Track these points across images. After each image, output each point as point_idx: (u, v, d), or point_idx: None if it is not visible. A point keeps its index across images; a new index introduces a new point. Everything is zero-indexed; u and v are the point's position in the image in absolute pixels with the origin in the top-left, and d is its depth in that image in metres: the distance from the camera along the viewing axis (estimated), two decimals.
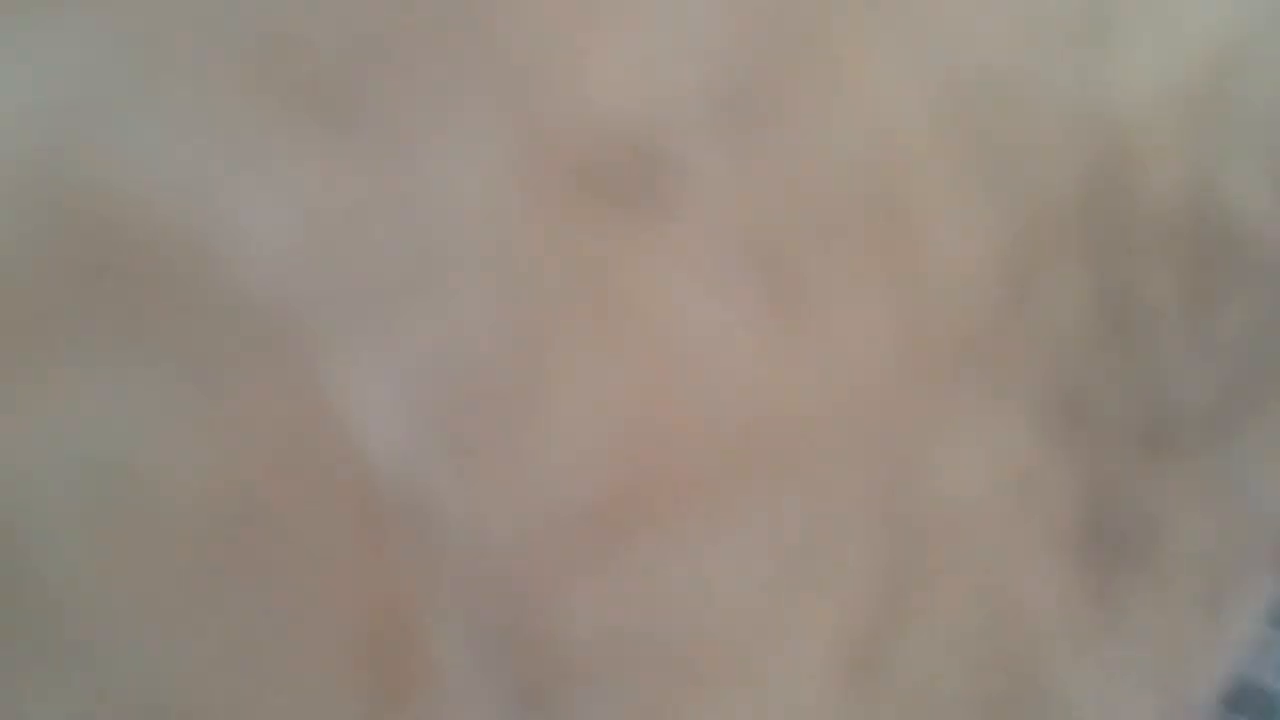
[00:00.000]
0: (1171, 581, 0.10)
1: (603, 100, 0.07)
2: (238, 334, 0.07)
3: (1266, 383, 0.10)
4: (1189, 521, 0.10)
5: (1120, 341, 0.09)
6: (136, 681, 0.06)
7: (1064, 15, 0.09)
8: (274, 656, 0.07)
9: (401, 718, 0.07)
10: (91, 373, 0.06)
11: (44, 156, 0.06)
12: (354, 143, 0.07)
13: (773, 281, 0.08)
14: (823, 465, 0.08)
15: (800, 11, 0.08)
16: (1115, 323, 0.09)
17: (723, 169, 0.08)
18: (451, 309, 0.07)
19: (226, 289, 0.06)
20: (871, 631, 0.08)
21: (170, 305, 0.06)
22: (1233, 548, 0.10)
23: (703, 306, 0.08)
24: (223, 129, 0.06)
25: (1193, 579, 0.10)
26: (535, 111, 0.07)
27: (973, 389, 0.08)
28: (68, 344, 0.06)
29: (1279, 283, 0.09)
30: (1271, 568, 0.11)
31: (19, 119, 0.06)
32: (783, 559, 0.08)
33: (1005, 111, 0.08)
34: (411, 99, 0.07)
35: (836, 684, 0.08)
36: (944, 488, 0.09)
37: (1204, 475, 0.10)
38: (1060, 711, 0.09)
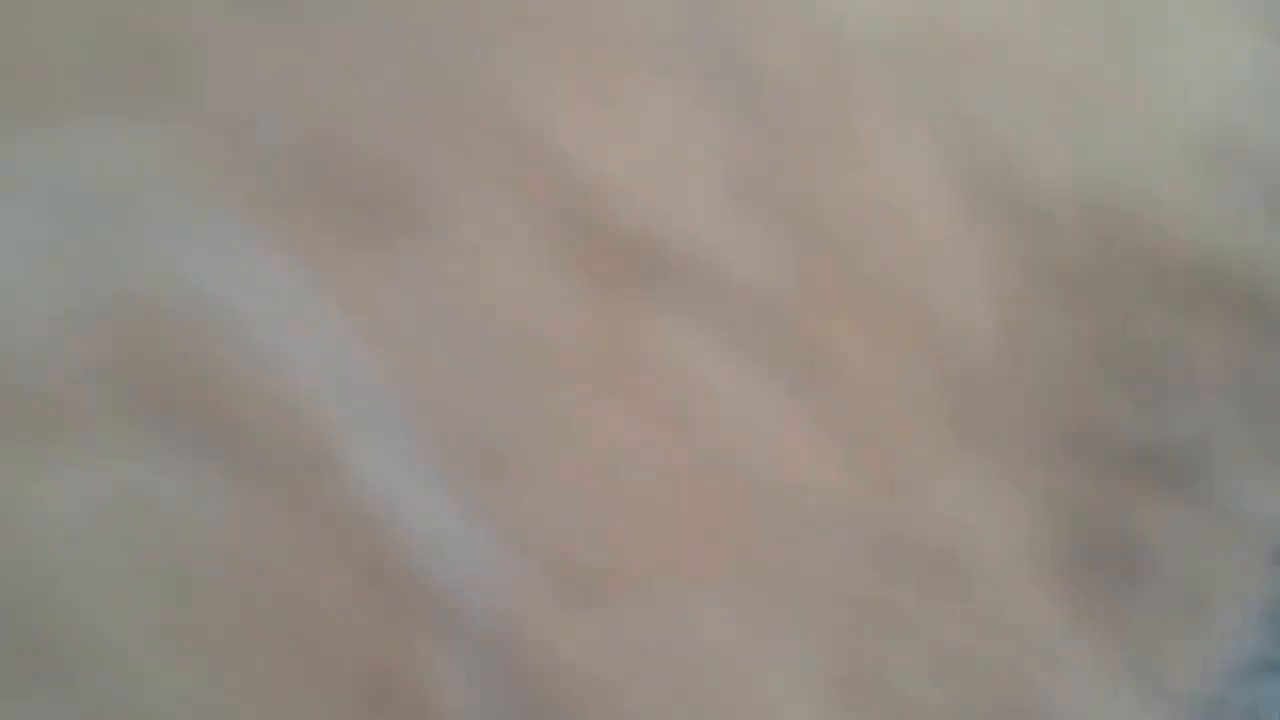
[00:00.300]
0: (1159, 590, 0.10)
1: (628, 197, 0.08)
2: (273, 424, 0.07)
3: (1261, 414, 0.10)
4: (1178, 537, 0.10)
5: (1119, 385, 0.10)
6: None
7: (1070, 94, 0.09)
8: (291, 703, 0.07)
9: None
10: (141, 454, 0.07)
11: (109, 258, 0.07)
12: (392, 243, 0.07)
13: (788, 349, 0.08)
14: (830, 508, 0.09)
15: (817, 104, 0.08)
16: (1114, 368, 0.10)
17: (743, 253, 0.08)
18: (479, 386, 0.08)
19: (264, 385, 0.07)
20: (858, 655, 0.09)
21: (213, 399, 0.07)
22: (1220, 556, 0.11)
23: (719, 374, 0.08)
24: (266, 234, 0.07)
25: (1179, 587, 0.10)
26: (564, 208, 0.08)
27: (975, 429, 0.09)
28: (120, 429, 0.07)
29: (1273, 329, 0.10)
30: (1260, 570, 0.11)
31: (81, 222, 0.07)
32: (777, 596, 0.09)
33: (1011, 182, 0.09)
34: (446, 201, 0.07)
35: (824, 707, 0.08)
36: (942, 519, 0.09)
37: (1195, 498, 0.10)
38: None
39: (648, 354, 0.08)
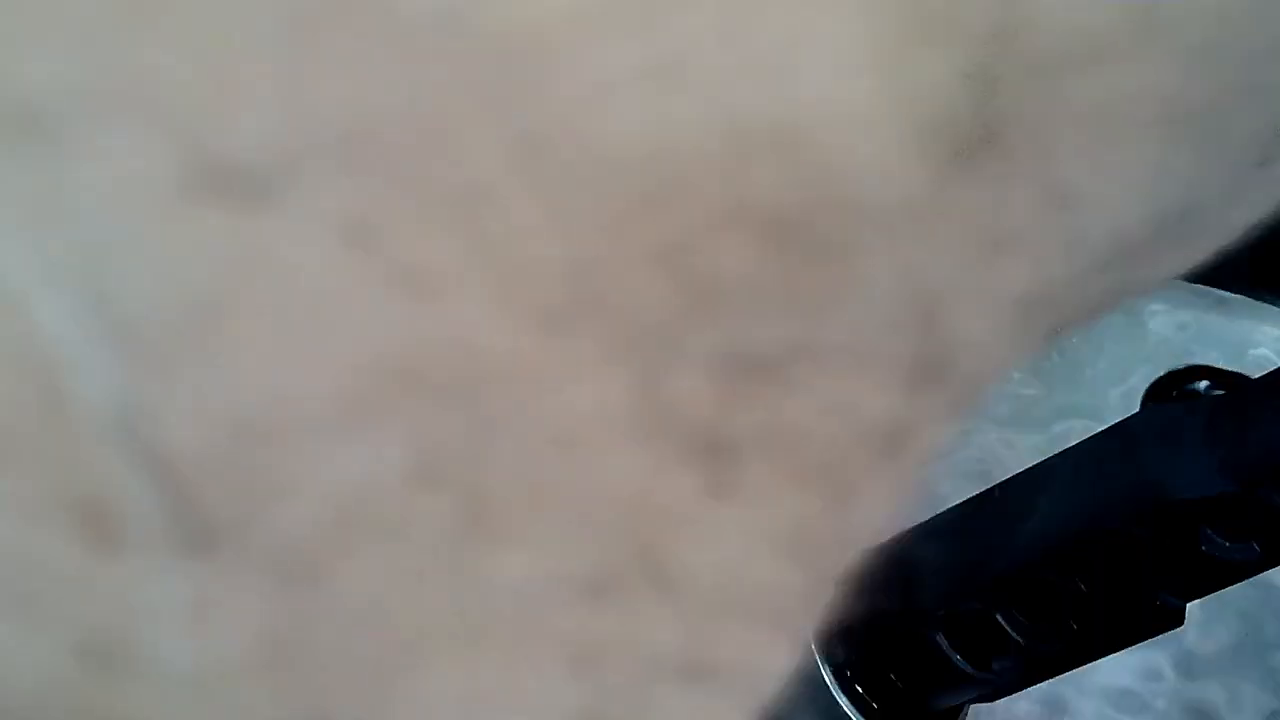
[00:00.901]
0: (790, 474, 0.12)
1: (243, 136, 0.10)
2: None
3: (840, 329, 0.12)
4: (801, 426, 0.12)
5: (706, 305, 0.11)
6: None
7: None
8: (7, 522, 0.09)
9: (104, 560, 0.09)
10: None
11: None
12: (56, 162, 0.09)
13: (383, 259, 0.10)
14: (430, 392, 0.11)
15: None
16: (690, 292, 0.11)
17: (331, 181, 0.10)
18: (135, 277, 0.10)
19: None
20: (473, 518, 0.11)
21: None
22: (848, 444, 0.12)
23: (323, 276, 0.10)
24: None
25: (812, 471, 0.12)
26: (183, 130, 0.10)
27: (566, 333, 0.11)
28: None
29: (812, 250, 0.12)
30: (897, 463, 0.13)
31: None
32: (402, 461, 0.10)
33: (575, 149, 0.11)
34: (85, 120, 0.10)
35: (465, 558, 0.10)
36: (535, 412, 0.11)
37: (792, 395, 0.12)
38: (686, 582, 0.12)
39: (268, 256, 0.10)
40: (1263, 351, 0.56)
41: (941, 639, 0.45)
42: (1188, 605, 0.42)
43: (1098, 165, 0.13)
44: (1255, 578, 0.40)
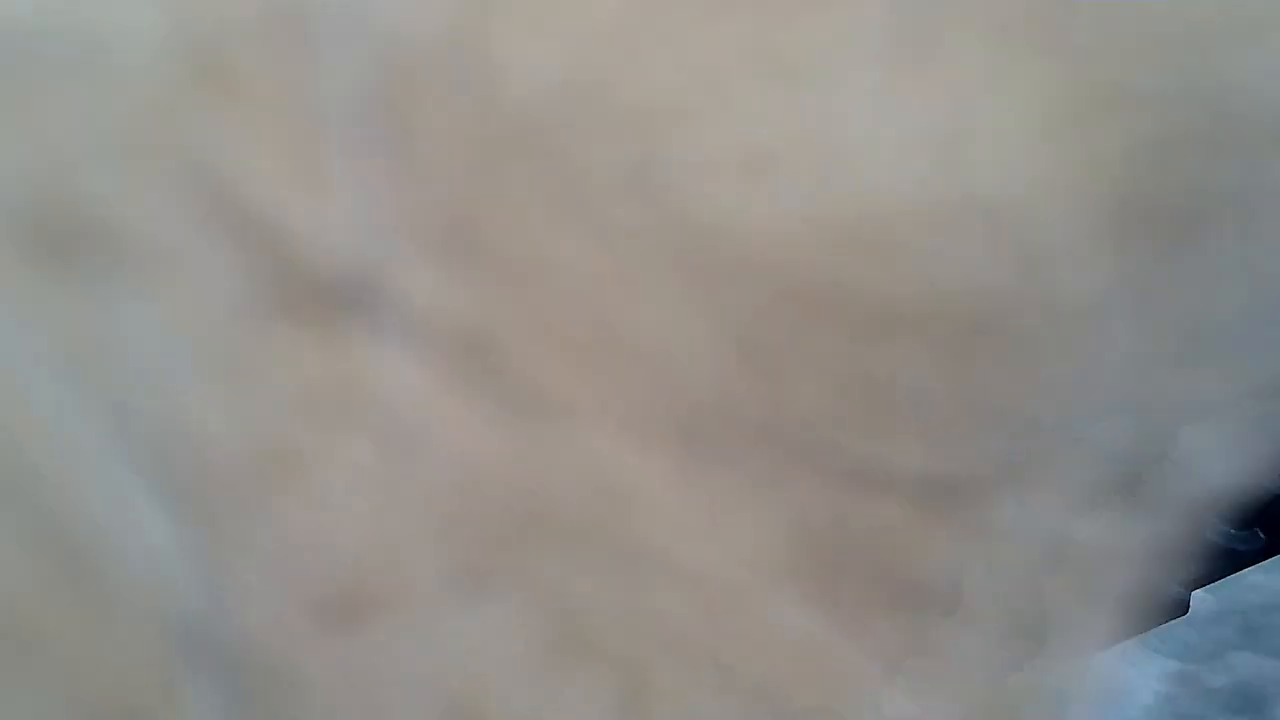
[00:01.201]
0: (980, 622, 0.10)
1: (326, 246, 0.08)
2: (20, 467, 0.07)
3: (1044, 442, 0.10)
4: (988, 566, 0.10)
5: (881, 420, 0.10)
6: None
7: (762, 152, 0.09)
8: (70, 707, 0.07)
9: None
10: None
11: None
12: (106, 285, 0.08)
13: (498, 380, 0.09)
14: (562, 539, 0.09)
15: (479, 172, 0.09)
16: (873, 403, 0.10)
17: (435, 289, 0.08)
18: (201, 421, 0.07)
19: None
20: (633, 671, 0.09)
21: None
22: (1043, 585, 0.11)
23: (433, 401, 0.08)
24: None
25: (1003, 617, 0.10)
26: (263, 255, 0.08)
27: (707, 454, 0.09)
28: None
29: (1040, 357, 0.10)
30: (1099, 602, 0.11)
31: None
32: (537, 632, 0.09)
33: (721, 239, 0.09)
34: (156, 241, 0.07)
35: None
36: (689, 535, 0.09)
37: (993, 526, 0.10)
38: None
39: (362, 384, 0.08)
40: None
41: None
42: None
43: None
44: None
